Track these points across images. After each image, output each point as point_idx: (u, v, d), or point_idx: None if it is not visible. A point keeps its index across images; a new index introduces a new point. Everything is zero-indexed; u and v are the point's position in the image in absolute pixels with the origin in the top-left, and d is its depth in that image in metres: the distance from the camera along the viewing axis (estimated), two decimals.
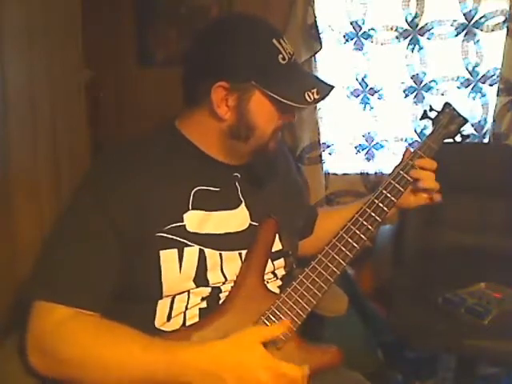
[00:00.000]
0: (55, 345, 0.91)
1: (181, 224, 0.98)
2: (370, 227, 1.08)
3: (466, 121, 1.23)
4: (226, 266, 1.02)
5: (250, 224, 1.06)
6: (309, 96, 0.97)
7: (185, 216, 0.99)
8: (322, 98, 1.00)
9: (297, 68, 1.03)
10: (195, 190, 1.02)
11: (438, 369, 2.07)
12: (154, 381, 0.89)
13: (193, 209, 1.00)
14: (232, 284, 1.02)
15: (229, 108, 0.99)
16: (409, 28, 2.28)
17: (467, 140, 1.24)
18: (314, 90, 0.98)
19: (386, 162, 2.39)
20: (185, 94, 1.04)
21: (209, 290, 1.00)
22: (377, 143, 2.42)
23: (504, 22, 2.21)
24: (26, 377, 0.95)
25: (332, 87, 1.02)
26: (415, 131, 2.38)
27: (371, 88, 2.35)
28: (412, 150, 1.19)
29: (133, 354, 0.89)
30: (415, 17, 2.26)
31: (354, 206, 1.16)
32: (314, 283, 1.02)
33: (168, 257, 0.97)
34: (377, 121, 2.39)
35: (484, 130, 2.35)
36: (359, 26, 2.29)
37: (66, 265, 0.95)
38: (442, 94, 2.34)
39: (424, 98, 2.34)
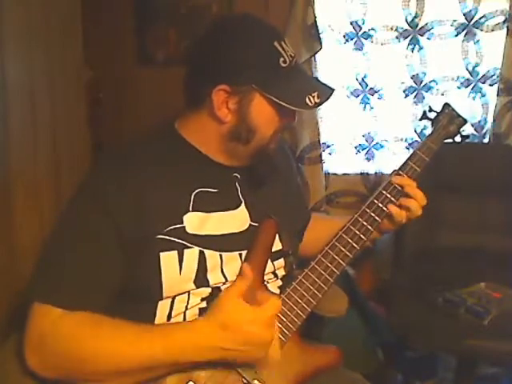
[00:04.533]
0: (54, 343, 0.91)
1: (180, 226, 0.98)
2: (369, 227, 1.08)
3: (465, 121, 1.23)
4: (227, 267, 1.02)
5: (250, 224, 1.06)
6: (309, 100, 0.97)
7: (184, 218, 0.99)
8: (323, 102, 0.99)
9: (298, 71, 1.03)
10: (196, 192, 1.01)
11: (438, 369, 2.08)
12: (153, 365, 0.89)
13: (193, 210, 1.00)
14: None
15: (229, 110, 0.98)
16: (409, 28, 2.27)
17: (467, 140, 1.24)
18: (315, 94, 0.98)
19: (386, 162, 2.39)
20: (186, 95, 1.04)
21: (209, 290, 1.00)
22: (377, 143, 2.41)
23: (504, 21, 2.21)
24: (25, 378, 0.94)
25: (333, 90, 1.02)
26: (415, 131, 2.38)
27: (371, 88, 2.35)
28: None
29: (130, 340, 0.90)
30: (415, 17, 2.26)
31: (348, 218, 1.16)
32: (314, 284, 1.02)
33: (168, 259, 0.97)
34: (377, 121, 2.39)
35: (484, 130, 2.35)
36: (359, 26, 2.29)
37: (67, 266, 0.95)
38: (442, 94, 2.33)
39: (424, 98, 2.33)
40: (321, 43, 2.20)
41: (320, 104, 0.99)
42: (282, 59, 0.97)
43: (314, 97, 0.98)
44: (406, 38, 2.29)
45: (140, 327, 0.92)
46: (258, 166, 1.07)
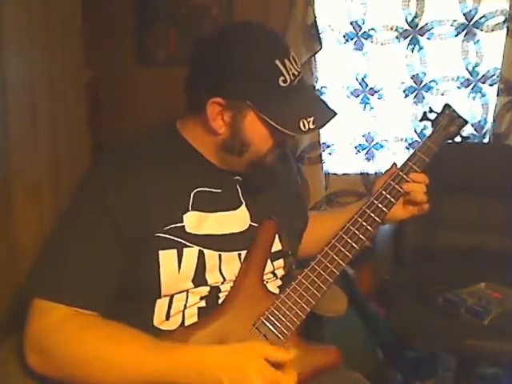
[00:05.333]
0: (55, 343, 0.91)
1: (180, 225, 0.98)
2: (369, 228, 1.08)
3: (465, 122, 1.23)
4: (225, 267, 1.02)
5: (251, 225, 1.06)
6: (303, 125, 0.95)
7: (184, 217, 0.99)
8: (318, 128, 0.98)
9: (299, 91, 0.99)
10: (195, 191, 1.02)
11: (438, 369, 2.08)
12: (153, 381, 0.89)
13: (192, 210, 1.00)
14: (231, 284, 1.02)
15: (224, 122, 0.98)
16: (409, 28, 2.28)
17: (467, 141, 1.24)
18: (311, 119, 0.96)
19: (386, 162, 2.39)
20: (186, 98, 1.04)
21: (207, 289, 1.00)
22: (377, 143, 2.42)
23: (504, 21, 2.21)
24: (25, 377, 0.94)
25: (333, 115, 1.00)
26: (415, 131, 2.38)
27: (371, 88, 2.35)
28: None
29: (133, 353, 0.89)
30: (415, 17, 2.26)
31: (345, 210, 1.17)
32: (313, 284, 1.02)
33: (167, 257, 0.97)
34: (377, 121, 2.39)
35: (484, 130, 2.35)
36: (359, 26, 2.29)
37: (67, 264, 0.95)
38: (442, 94, 2.33)
39: (424, 98, 2.33)
40: (321, 43, 2.20)
41: (314, 130, 0.97)
42: (282, 78, 0.95)
43: (309, 122, 0.96)
44: (406, 38, 2.29)
45: (146, 340, 0.90)
46: (255, 177, 1.06)
